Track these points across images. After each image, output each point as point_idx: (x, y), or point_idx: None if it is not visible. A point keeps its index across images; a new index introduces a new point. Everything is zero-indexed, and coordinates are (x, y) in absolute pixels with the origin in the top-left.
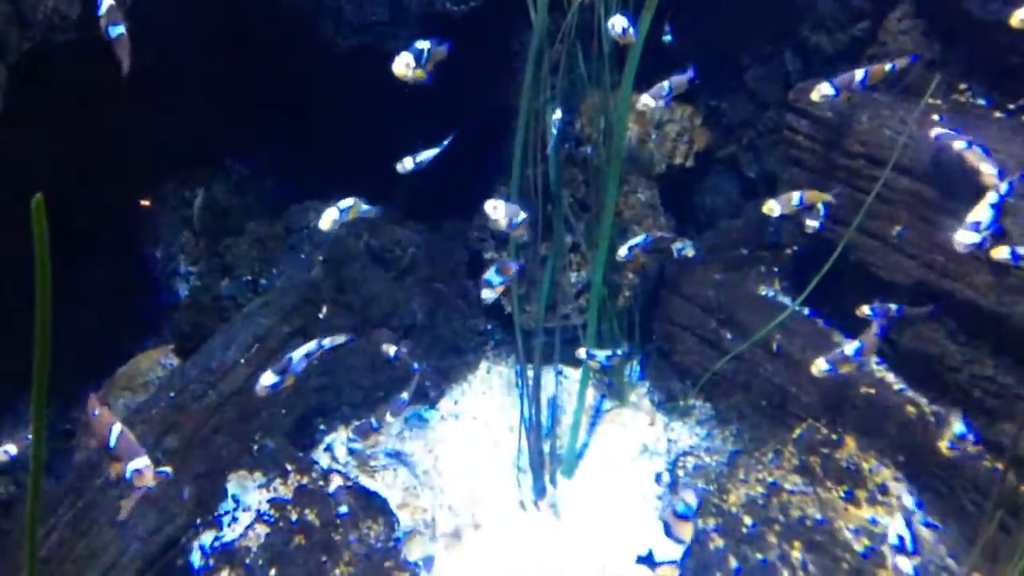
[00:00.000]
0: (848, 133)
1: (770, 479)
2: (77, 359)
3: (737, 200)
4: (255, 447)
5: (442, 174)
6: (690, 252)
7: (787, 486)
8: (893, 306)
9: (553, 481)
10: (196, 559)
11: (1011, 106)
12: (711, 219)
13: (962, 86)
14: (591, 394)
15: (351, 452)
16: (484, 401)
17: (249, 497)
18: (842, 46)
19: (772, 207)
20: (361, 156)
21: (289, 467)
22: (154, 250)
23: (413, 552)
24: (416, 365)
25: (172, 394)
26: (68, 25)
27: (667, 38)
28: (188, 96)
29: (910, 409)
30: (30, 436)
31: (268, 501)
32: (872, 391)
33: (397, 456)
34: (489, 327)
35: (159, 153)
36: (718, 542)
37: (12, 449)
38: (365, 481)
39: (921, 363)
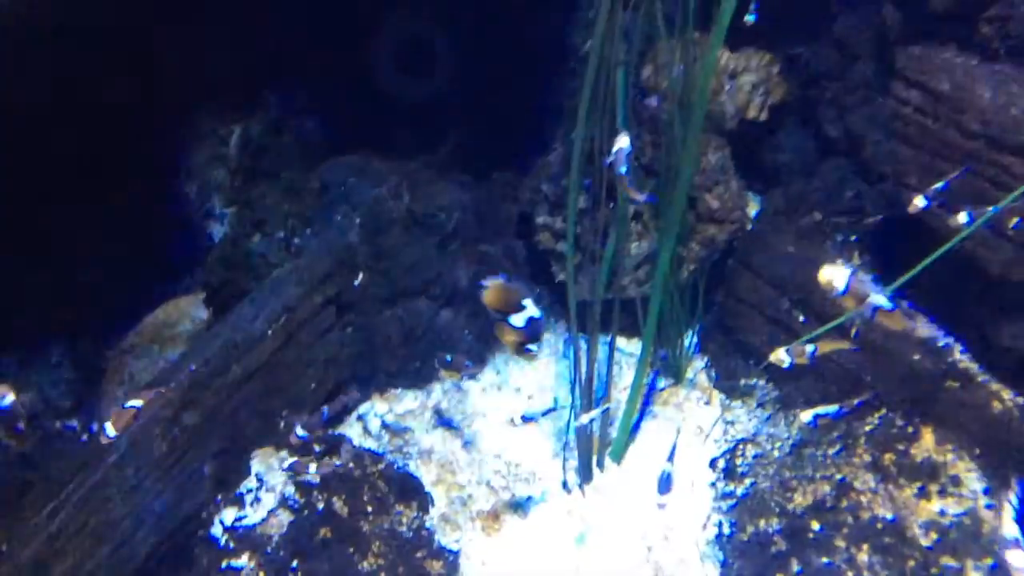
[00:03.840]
0: (966, 109)
1: (839, 476)
2: (110, 295)
3: (812, 158)
4: (282, 424)
5: (493, 121)
6: (754, 207)
7: (857, 484)
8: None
9: (600, 464)
10: (218, 533)
11: None
12: (780, 176)
13: None
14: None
15: (384, 425)
16: (528, 371)
17: (273, 477)
18: (953, 3)
19: (781, 357)
20: (410, 102)
21: (317, 448)
22: (188, 188)
23: (448, 535)
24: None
25: (192, 367)
26: None
27: (751, 18)
28: (227, 23)
29: (996, 404)
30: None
31: (294, 483)
32: (956, 384)
33: (434, 429)
34: (537, 291)
35: (195, 82)
36: (780, 545)
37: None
38: (397, 456)
39: (1017, 361)
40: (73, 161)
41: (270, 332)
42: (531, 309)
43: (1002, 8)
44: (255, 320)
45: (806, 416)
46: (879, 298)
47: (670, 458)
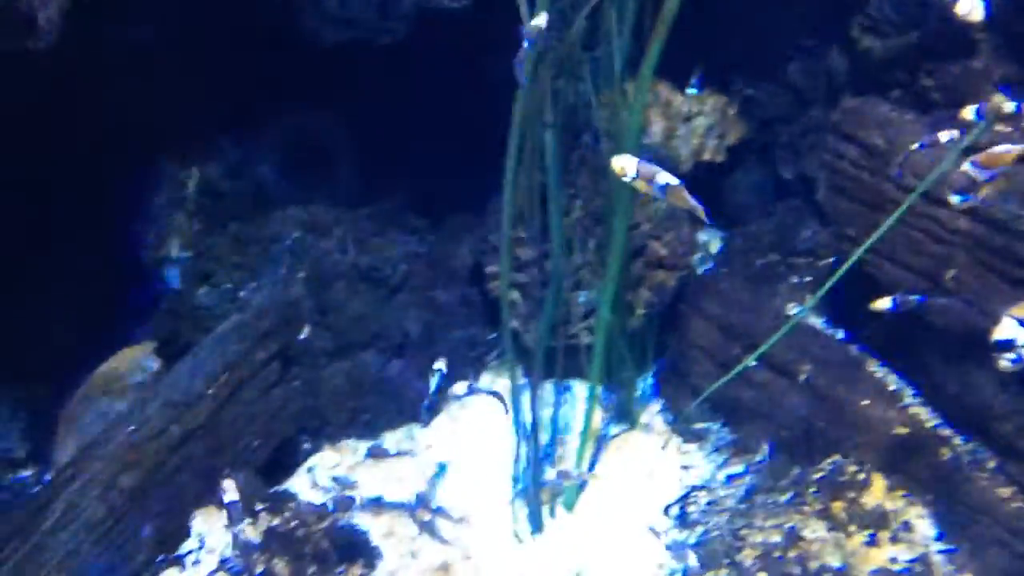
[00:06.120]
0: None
1: (788, 524)
2: (66, 341)
3: (771, 197)
4: (224, 482)
5: (450, 160)
6: (717, 244)
7: (806, 533)
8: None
9: (552, 513)
10: None
11: None
12: (739, 217)
13: None
14: (598, 416)
15: (334, 478)
16: (482, 419)
17: (215, 538)
18: (894, 53)
19: None
20: (359, 151)
21: (259, 506)
22: (146, 233)
23: None
24: None
25: (131, 428)
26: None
27: (692, 91)
28: (182, 72)
29: (944, 451)
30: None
31: (234, 545)
32: (906, 431)
33: (385, 481)
34: (493, 335)
35: (156, 126)
36: None
37: None
38: (343, 514)
39: (965, 408)
40: (25, 204)
41: (210, 391)
42: None
43: (934, 61)
44: (194, 378)
45: None
46: (665, 176)
47: None
